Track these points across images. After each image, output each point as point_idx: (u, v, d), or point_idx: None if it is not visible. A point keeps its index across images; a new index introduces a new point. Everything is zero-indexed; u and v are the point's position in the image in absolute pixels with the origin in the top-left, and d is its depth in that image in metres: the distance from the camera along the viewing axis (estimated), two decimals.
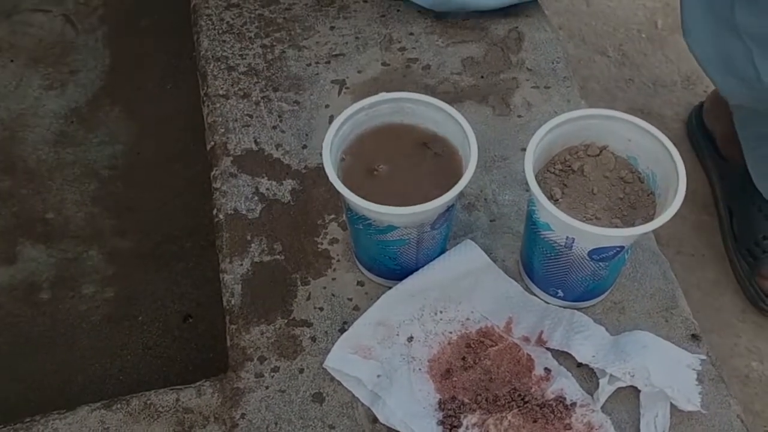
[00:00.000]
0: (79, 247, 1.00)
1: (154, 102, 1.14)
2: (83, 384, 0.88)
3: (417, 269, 0.68)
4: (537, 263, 0.66)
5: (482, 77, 0.85)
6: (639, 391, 0.64)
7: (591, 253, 0.60)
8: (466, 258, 0.69)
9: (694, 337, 0.68)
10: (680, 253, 1.40)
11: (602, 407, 0.63)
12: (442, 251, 0.69)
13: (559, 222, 0.58)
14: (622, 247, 0.60)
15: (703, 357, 0.66)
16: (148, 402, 0.65)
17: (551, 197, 0.62)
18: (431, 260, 0.68)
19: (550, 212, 0.58)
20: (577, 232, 0.58)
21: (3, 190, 1.05)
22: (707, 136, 1.44)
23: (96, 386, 0.88)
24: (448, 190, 0.59)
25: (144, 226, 1.02)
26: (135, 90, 1.16)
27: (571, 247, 0.60)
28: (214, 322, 0.91)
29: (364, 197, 0.59)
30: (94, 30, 1.23)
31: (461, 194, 0.75)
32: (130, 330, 0.93)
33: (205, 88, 0.84)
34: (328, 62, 0.86)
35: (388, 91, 0.65)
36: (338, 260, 0.72)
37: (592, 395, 0.64)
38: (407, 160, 0.64)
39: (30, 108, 1.14)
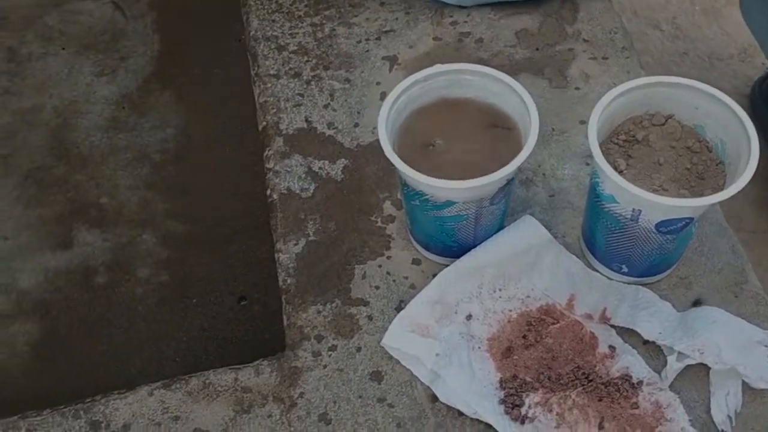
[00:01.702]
0: (133, 231, 1.00)
1: (203, 85, 1.15)
2: (140, 366, 0.89)
3: (475, 246, 0.66)
4: (600, 238, 0.64)
5: (537, 49, 0.83)
6: (709, 368, 0.61)
7: (658, 225, 0.57)
8: (526, 234, 0.67)
9: None
10: (740, 230, 1.36)
11: (670, 386, 0.61)
12: (501, 228, 0.67)
13: (626, 193, 0.56)
14: (691, 219, 0.57)
15: None
16: (207, 381, 0.65)
17: (615, 168, 0.60)
18: (489, 237, 0.66)
19: (615, 183, 0.55)
20: (644, 203, 0.56)
21: (57, 176, 1.06)
22: None
23: (153, 368, 0.89)
24: (506, 163, 0.57)
25: (196, 209, 1.02)
26: (184, 74, 1.16)
27: (638, 219, 0.58)
28: (268, 304, 0.92)
29: (420, 172, 0.58)
30: (143, 16, 1.24)
31: (519, 169, 0.74)
32: (185, 312, 0.93)
33: (256, 68, 0.84)
34: (379, 38, 0.85)
35: None
36: (393, 239, 0.71)
37: (659, 373, 0.62)
38: (464, 134, 0.63)
39: (82, 95, 1.15)
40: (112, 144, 1.09)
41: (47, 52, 1.20)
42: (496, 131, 0.62)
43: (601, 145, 0.61)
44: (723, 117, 0.59)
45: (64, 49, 1.21)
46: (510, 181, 0.61)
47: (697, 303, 0.64)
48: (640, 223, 0.58)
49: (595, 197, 0.61)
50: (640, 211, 0.57)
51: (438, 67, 0.62)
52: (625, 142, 0.62)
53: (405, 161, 0.59)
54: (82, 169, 1.07)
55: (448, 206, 0.60)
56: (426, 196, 0.60)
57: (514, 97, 0.61)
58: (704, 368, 0.62)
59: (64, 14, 1.26)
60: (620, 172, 0.60)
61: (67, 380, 0.89)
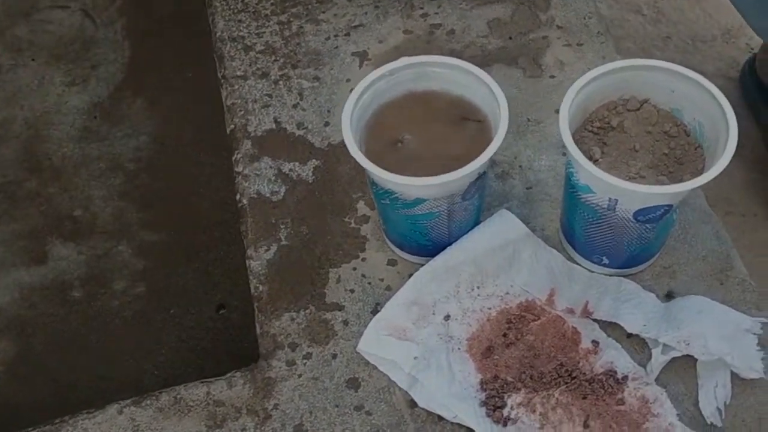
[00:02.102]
0: (108, 243, 0.98)
1: (175, 90, 1.12)
2: (119, 381, 0.87)
3: (450, 244, 0.64)
4: (578, 229, 0.62)
5: (510, 38, 0.81)
6: (696, 360, 0.59)
7: (636, 214, 0.55)
8: (503, 229, 0.65)
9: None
10: (730, 213, 1.34)
11: (656, 379, 0.59)
12: (476, 223, 0.65)
13: (601, 182, 0.53)
14: (670, 206, 0.55)
15: (765, 320, 0.61)
16: (178, 396, 0.62)
17: (590, 157, 0.58)
18: (464, 233, 0.64)
19: (589, 173, 0.53)
20: (620, 192, 0.53)
21: (30, 189, 1.04)
22: (762, 88, 1.37)
23: (131, 383, 0.86)
24: (478, 157, 0.55)
25: (172, 217, 1.00)
26: (156, 80, 1.14)
27: (615, 209, 0.56)
28: (248, 311, 0.89)
29: (388, 170, 0.55)
30: (113, 23, 1.22)
31: (494, 162, 0.72)
32: (163, 324, 0.91)
33: (223, 70, 0.81)
34: (348, 34, 0.82)
35: None
36: (368, 240, 0.69)
37: (644, 367, 0.60)
38: (434, 129, 0.61)
39: (53, 105, 1.13)
40: (85, 154, 1.06)
41: (17, 64, 1.18)
42: (467, 124, 0.60)
43: (575, 134, 0.59)
44: (700, 99, 0.57)
45: (33, 59, 1.19)
46: (482, 176, 0.59)
47: (669, 295, 0.62)
48: (617, 212, 0.56)
49: (570, 188, 0.59)
50: (616, 200, 0.55)
51: (404, 60, 0.60)
52: (600, 129, 0.59)
53: (373, 159, 0.57)
54: (54, 182, 1.05)
55: (419, 204, 0.58)
56: (395, 195, 0.58)
57: (483, 89, 0.59)
58: (691, 360, 0.59)
59: (33, 24, 1.23)
60: (595, 161, 0.58)
61: (43, 398, 0.86)
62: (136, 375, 0.87)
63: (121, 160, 1.05)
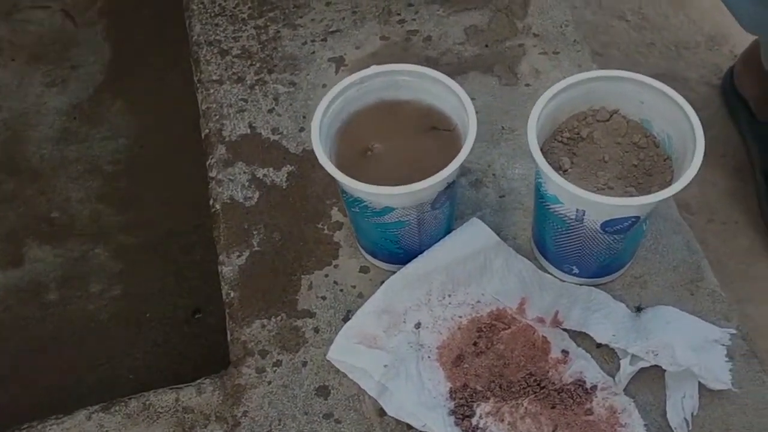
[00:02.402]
0: (85, 246, 0.98)
1: (156, 93, 1.12)
2: (93, 385, 0.87)
3: (421, 252, 0.64)
4: (548, 239, 0.62)
5: (486, 46, 0.81)
6: (664, 371, 0.59)
7: (604, 225, 0.55)
8: (474, 237, 0.65)
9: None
10: (711, 221, 1.34)
11: (625, 389, 0.59)
12: (448, 232, 0.65)
13: (567, 193, 0.53)
14: (638, 218, 0.55)
15: (733, 331, 0.61)
16: (147, 403, 0.62)
17: (559, 168, 0.58)
18: (436, 242, 0.64)
19: (556, 184, 0.53)
20: (586, 203, 0.54)
21: (7, 191, 1.03)
22: (741, 99, 1.38)
23: (105, 387, 0.86)
24: (447, 166, 0.55)
25: (150, 220, 1.00)
26: (137, 82, 1.13)
27: (582, 220, 0.56)
28: (224, 316, 0.89)
29: (358, 178, 0.55)
30: (94, 24, 1.21)
31: (466, 170, 0.72)
32: (138, 328, 0.91)
33: (199, 74, 0.81)
34: (325, 39, 0.82)
35: None
36: (341, 246, 0.69)
37: (613, 377, 0.60)
38: (404, 138, 0.60)
39: (32, 106, 1.12)
40: (63, 156, 1.06)
41: None
42: (436, 134, 0.60)
43: (544, 144, 0.60)
44: (668, 111, 0.57)
45: (13, 60, 1.18)
46: (451, 184, 0.59)
47: (639, 309, 0.62)
48: (585, 223, 0.56)
49: (540, 198, 0.59)
50: (584, 211, 0.55)
51: (374, 69, 0.60)
52: (570, 140, 0.59)
53: (343, 167, 0.57)
54: (32, 183, 1.04)
55: (388, 212, 0.58)
56: (365, 203, 0.58)
57: (453, 98, 0.59)
58: (660, 370, 0.59)
59: (14, 24, 1.23)
60: (564, 172, 0.58)
61: (17, 401, 0.86)
62: (111, 379, 0.87)
63: (100, 163, 1.05)
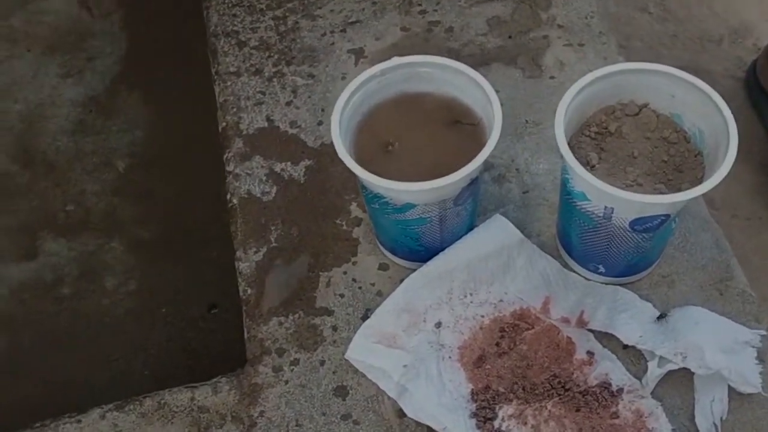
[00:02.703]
0: (100, 240, 0.97)
1: (172, 85, 1.11)
2: (107, 380, 0.86)
3: (442, 249, 0.62)
4: (574, 237, 0.60)
5: (510, 37, 0.79)
6: (692, 373, 0.57)
7: (633, 223, 0.53)
8: (497, 234, 0.63)
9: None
10: (736, 216, 1.32)
11: (652, 393, 0.58)
12: (470, 228, 0.63)
13: (596, 190, 0.52)
14: (668, 216, 0.53)
15: (764, 332, 0.59)
16: (162, 402, 0.61)
17: (587, 163, 0.56)
18: (457, 239, 0.62)
19: (584, 180, 0.51)
20: (615, 200, 0.52)
21: (22, 183, 1.02)
22: (765, 92, 1.35)
23: (120, 382, 0.85)
24: (471, 161, 0.53)
25: (165, 214, 0.98)
26: (153, 74, 1.12)
27: (611, 217, 0.54)
28: (240, 312, 0.88)
29: (378, 174, 0.54)
30: (110, 14, 1.20)
31: (489, 165, 0.70)
32: (153, 323, 0.89)
33: (216, 66, 0.80)
34: (344, 30, 0.81)
35: None
36: (360, 243, 0.67)
37: (640, 380, 0.58)
38: (425, 131, 0.59)
39: (48, 98, 1.11)
40: (78, 148, 1.05)
41: (12, 55, 1.16)
42: (459, 128, 0.58)
43: (571, 139, 0.58)
44: (700, 105, 0.55)
45: (29, 50, 1.17)
46: (474, 180, 0.57)
47: (661, 317, 0.60)
48: (613, 221, 0.54)
49: (566, 194, 0.57)
50: (612, 208, 0.53)
51: (395, 60, 0.58)
52: (597, 135, 0.58)
53: (363, 162, 0.55)
54: (47, 176, 1.03)
55: (409, 209, 0.56)
56: (385, 199, 0.56)
57: (477, 90, 0.57)
58: (689, 372, 0.58)
59: (30, 14, 1.22)
60: (592, 167, 0.56)
61: (32, 397, 0.85)
62: (126, 374, 0.86)
63: (115, 156, 1.04)
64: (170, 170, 1.02)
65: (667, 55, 1.47)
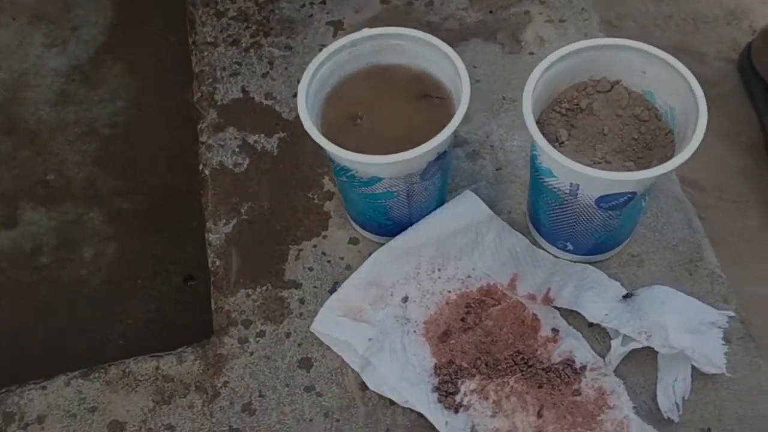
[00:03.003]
0: (80, 209, 0.96)
1: (156, 56, 1.10)
2: (83, 350, 0.86)
3: (412, 224, 0.62)
4: (543, 214, 0.60)
5: (491, 12, 0.78)
6: (657, 352, 0.57)
7: (599, 200, 0.53)
8: (466, 211, 0.63)
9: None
10: (722, 199, 1.31)
11: (615, 371, 0.57)
12: (440, 204, 0.63)
13: (561, 167, 0.51)
14: (634, 194, 0.53)
15: (731, 314, 0.59)
16: (127, 370, 0.61)
17: (556, 140, 0.56)
18: (427, 214, 0.62)
19: (550, 156, 0.51)
20: (581, 177, 0.51)
21: (4, 152, 1.02)
22: (758, 75, 1.34)
23: (96, 351, 0.85)
24: (437, 135, 0.53)
25: (146, 185, 0.98)
26: (137, 45, 1.11)
27: (576, 194, 0.53)
28: None
29: (345, 146, 0.53)
30: None
31: (463, 141, 0.69)
32: (131, 293, 0.89)
33: (193, 35, 0.79)
34: (323, 2, 0.80)
35: None
36: (331, 217, 0.67)
37: (604, 358, 0.58)
38: (395, 105, 0.58)
39: (32, 67, 1.10)
40: (61, 118, 1.04)
41: None
42: (429, 101, 0.58)
43: (542, 114, 0.57)
44: (672, 82, 0.55)
45: (14, 19, 1.16)
46: (442, 155, 0.56)
47: (628, 296, 0.59)
48: (579, 198, 0.54)
49: (534, 171, 0.57)
50: (578, 185, 0.52)
51: (366, 32, 0.58)
52: (568, 111, 0.57)
53: (331, 134, 0.55)
54: (29, 145, 1.03)
55: (375, 183, 0.56)
56: (352, 172, 0.56)
57: (447, 63, 0.56)
58: (653, 352, 0.57)
59: None
60: (561, 144, 0.56)
61: (8, 364, 0.85)
62: (102, 344, 0.86)
63: (97, 126, 1.03)
64: (152, 141, 1.01)
65: (659, 35, 1.45)
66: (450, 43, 0.70)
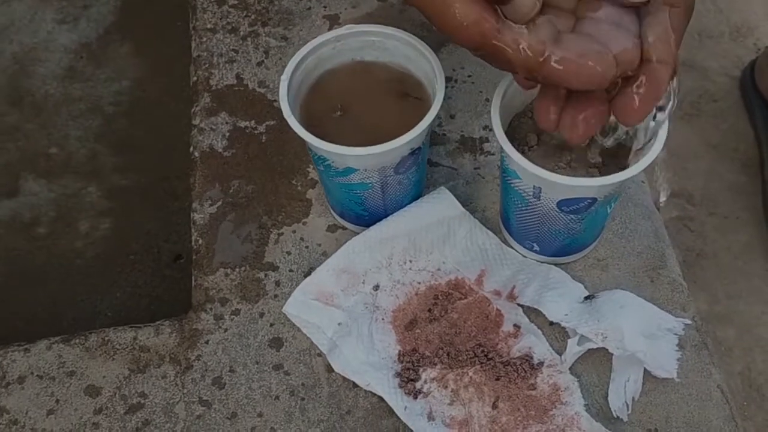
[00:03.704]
0: (79, 183, 0.99)
1: (164, 39, 1.12)
2: (73, 319, 0.88)
3: (387, 216, 0.64)
4: (511, 214, 0.62)
5: None
6: (612, 354, 0.59)
7: (560, 204, 0.55)
8: (439, 206, 0.65)
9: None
10: (713, 214, 1.33)
11: (571, 369, 0.60)
12: (415, 198, 0.65)
13: (524, 170, 0.53)
14: (595, 200, 0.55)
15: (688, 321, 0.61)
16: (106, 339, 0.64)
17: (526, 144, 0.58)
18: (401, 207, 0.64)
19: (513, 159, 0.53)
20: (541, 181, 0.53)
21: (9, 123, 1.05)
22: (759, 93, 1.36)
23: (84, 322, 0.88)
24: (409, 132, 0.55)
25: (144, 164, 1.01)
26: (146, 26, 1.14)
27: (539, 197, 0.56)
28: None
29: (323, 137, 0.56)
30: None
31: (446, 140, 0.72)
32: (122, 268, 0.92)
33: (194, 21, 0.82)
34: None
35: None
36: (312, 204, 0.69)
37: (561, 355, 0.60)
38: (375, 101, 0.61)
39: (42, 42, 1.13)
40: (67, 94, 1.07)
41: None
42: (407, 101, 0.60)
43: (514, 118, 0.59)
44: None
45: None
46: (417, 151, 0.59)
47: (588, 297, 0.61)
48: (542, 200, 0.56)
49: (503, 172, 0.59)
50: (540, 188, 0.55)
51: (349, 28, 0.60)
52: None
53: (311, 125, 0.57)
54: (34, 118, 1.05)
55: (350, 173, 0.58)
56: (328, 161, 0.58)
57: (425, 63, 0.59)
58: (609, 353, 0.60)
59: None
60: (530, 148, 0.58)
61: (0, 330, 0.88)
62: (90, 315, 0.89)
63: (101, 103, 1.06)
64: (153, 121, 1.04)
65: None
66: (440, 44, 0.73)
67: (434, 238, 0.65)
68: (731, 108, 1.41)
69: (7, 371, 0.63)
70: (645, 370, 0.59)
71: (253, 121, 0.74)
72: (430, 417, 0.58)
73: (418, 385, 0.59)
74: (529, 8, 0.41)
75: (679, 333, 0.60)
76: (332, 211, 0.68)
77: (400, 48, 0.60)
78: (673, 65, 0.44)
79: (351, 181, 0.59)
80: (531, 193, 0.56)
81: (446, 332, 0.62)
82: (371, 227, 0.64)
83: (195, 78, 0.77)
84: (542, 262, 0.64)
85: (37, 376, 0.62)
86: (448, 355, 0.60)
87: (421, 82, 0.60)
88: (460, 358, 0.60)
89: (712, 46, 1.51)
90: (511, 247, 0.65)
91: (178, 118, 1.03)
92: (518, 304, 0.63)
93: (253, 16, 0.81)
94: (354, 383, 0.60)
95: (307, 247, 0.67)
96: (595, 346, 0.59)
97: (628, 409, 0.58)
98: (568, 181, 0.52)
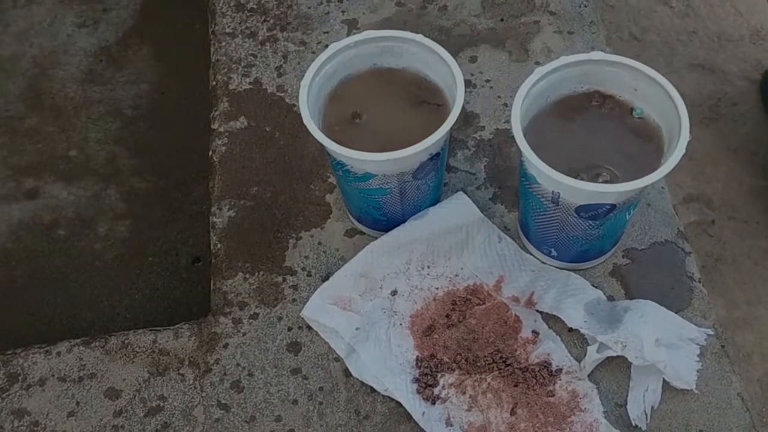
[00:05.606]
0: (98, 186, 1.00)
1: (181, 42, 1.13)
2: (91, 320, 0.89)
3: (404, 221, 0.64)
4: (530, 219, 0.62)
5: (502, 20, 0.80)
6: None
7: (578, 209, 0.55)
8: (457, 211, 0.65)
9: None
10: (732, 218, 1.32)
11: (590, 376, 0.59)
12: (433, 203, 0.65)
13: (543, 174, 0.53)
14: (614, 206, 0.55)
15: (710, 332, 0.61)
16: (126, 341, 0.64)
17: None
18: (419, 212, 0.64)
19: (532, 163, 0.53)
20: (560, 185, 0.53)
21: (30, 126, 1.06)
22: None
23: (103, 323, 0.89)
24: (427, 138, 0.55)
25: (163, 167, 1.01)
26: (164, 29, 1.15)
27: (558, 202, 0.55)
28: None
29: (343, 143, 0.56)
30: None
31: (464, 145, 0.72)
32: (140, 270, 0.93)
33: (213, 25, 0.82)
34: (341, 0, 0.82)
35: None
36: (330, 209, 0.70)
37: (580, 362, 0.60)
38: (394, 108, 0.61)
39: (62, 45, 1.14)
40: (86, 97, 1.08)
41: (32, 0, 1.19)
42: (426, 107, 0.60)
43: (535, 120, 0.59)
44: (660, 100, 0.57)
45: None
46: (435, 156, 0.59)
47: (611, 298, 0.61)
48: (560, 205, 0.56)
49: (522, 176, 0.59)
50: (558, 193, 0.54)
51: (368, 33, 0.60)
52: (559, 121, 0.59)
53: (330, 130, 0.58)
54: (54, 121, 1.06)
55: (368, 179, 0.58)
56: (347, 167, 0.58)
57: (445, 69, 0.59)
58: (627, 360, 0.59)
59: None
60: None
61: (19, 329, 0.89)
62: (109, 317, 0.89)
63: (121, 106, 1.07)
64: (172, 124, 1.05)
65: (682, 51, 1.46)
66: (459, 48, 0.73)
67: (452, 244, 0.65)
68: (750, 111, 1.39)
69: (28, 373, 0.63)
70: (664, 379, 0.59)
71: (271, 126, 0.74)
72: (448, 423, 0.58)
73: (436, 390, 0.59)
74: None
75: (701, 343, 0.60)
76: (350, 216, 0.68)
77: (419, 53, 0.60)
78: None
79: (369, 186, 0.59)
80: (550, 198, 0.56)
81: (464, 338, 0.62)
82: (389, 232, 0.64)
83: (214, 82, 0.78)
84: (561, 268, 0.64)
85: (58, 378, 0.63)
86: (466, 360, 0.60)
87: (439, 88, 0.60)
88: (479, 363, 0.60)
89: (731, 50, 1.50)
90: (530, 253, 0.65)
91: (196, 122, 1.03)
92: (537, 311, 0.62)
93: (271, 21, 0.81)
94: (372, 388, 0.60)
95: (325, 251, 0.67)
96: (614, 354, 0.59)
97: (647, 418, 0.58)
98: (586, 186, 0.51)
